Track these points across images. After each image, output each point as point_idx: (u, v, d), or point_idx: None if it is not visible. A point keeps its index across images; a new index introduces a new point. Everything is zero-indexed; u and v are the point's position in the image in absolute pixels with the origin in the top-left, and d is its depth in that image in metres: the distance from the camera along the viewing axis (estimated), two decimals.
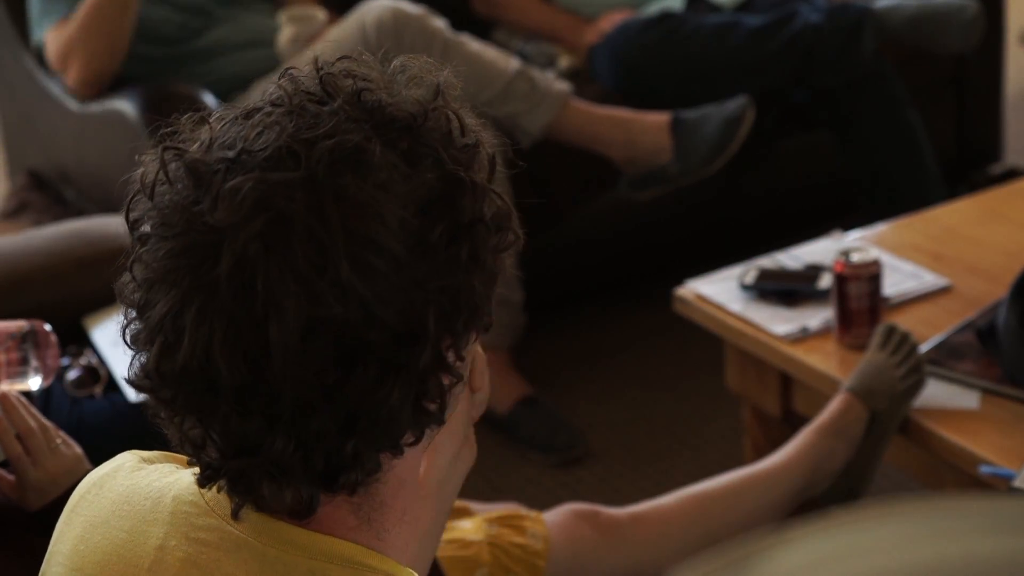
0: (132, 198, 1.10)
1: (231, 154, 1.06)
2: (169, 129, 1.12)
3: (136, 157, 1.12)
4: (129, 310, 1.11)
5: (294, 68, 1.14)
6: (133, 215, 1.10)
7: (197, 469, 1.16)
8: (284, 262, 1.03)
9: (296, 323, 1.02)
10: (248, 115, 1.10)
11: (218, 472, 1.10)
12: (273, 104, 1.10)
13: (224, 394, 1.05)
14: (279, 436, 1.06)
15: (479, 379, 1.23)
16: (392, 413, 1.07)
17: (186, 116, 1.13)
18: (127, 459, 1.24)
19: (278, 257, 1.03)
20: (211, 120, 1.11)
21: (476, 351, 1.21)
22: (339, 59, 1.13)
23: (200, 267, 1.04)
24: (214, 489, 1.14)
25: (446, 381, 1.10)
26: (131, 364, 1.11)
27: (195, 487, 1.15)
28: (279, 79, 1.13)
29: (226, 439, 1.08)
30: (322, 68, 1.12)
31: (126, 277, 1.10)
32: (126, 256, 1.11)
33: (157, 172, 1.08)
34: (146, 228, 1.08)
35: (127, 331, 1.11)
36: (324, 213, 1.03)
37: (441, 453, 1.21)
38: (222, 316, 1.03)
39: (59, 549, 1.21)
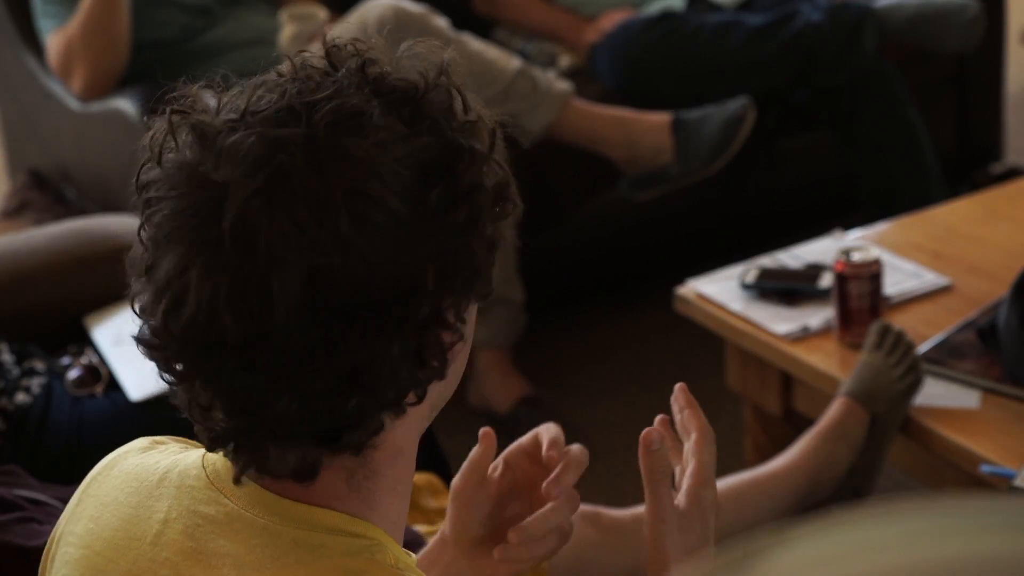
0: (143, 165, 1.12)
1: (235, 115, 1.09)
2: (177, 94, 1.15)
3: (144, 118, 1.14)
4: (138, 279, 1.12)
5: (307, 51, 1.16)
6: (143, 180, 1.12)
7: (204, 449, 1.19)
8: (285, 215, 1.05)
9: (297, 275, 1.05)
10: (256, 85, 1.13)
11: (225, 434, 1.12)
12: (279, 74, 1.13)
13: (229, 349, 1.06)
14: (283, 393, 1.07)
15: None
16: (393, 366, 1.09)
17: (196, 85, 1.16)
18: (139, 442, 1.26)
19: (280, 210, 1.05)
20: (221, 93, 1.15)
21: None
22: (350, 39, 1.16)
23: (204, 223, 1.06)
24: (218, 463, 1.17)
25: (447, 339, 1.12)
26: (140, 327, 1.13)
27: (200, 462, 1.18)
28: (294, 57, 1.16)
29: (231, 397, 1.09)
30: (331, 43, 1.14)
31: (136, 246, 1.12)
32: (139, 226, 1.13)
33: (165, 135, 1.11)
34: (154, 192, 1.10)
35: (136, 301, 1.12)
36: (323, 169, 1.06)
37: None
38: (226, 271, 1.05)
39: (70, 529, 1.23)
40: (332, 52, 1.13)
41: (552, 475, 1.35)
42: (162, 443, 1.25)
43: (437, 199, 1.09)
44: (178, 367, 1.11)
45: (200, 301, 1.06)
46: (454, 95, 1.14)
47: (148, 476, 1.20)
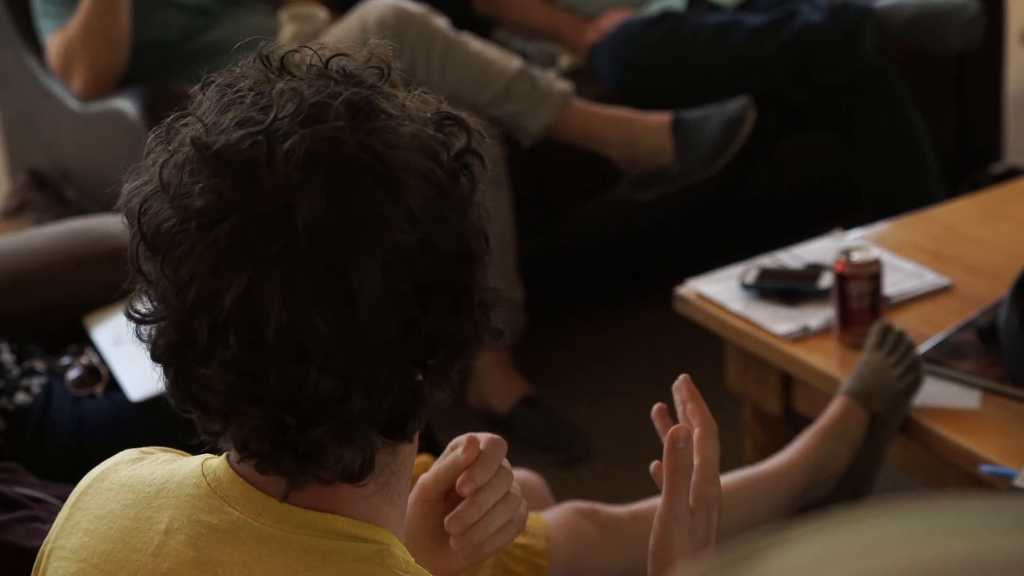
0: (143, 204, 1.10)
1: (258, 127, 1.08)
2: (168, 125, 1.13)
3: (157, 150, 1.12)
4: (142, 328, 1.10)
5: (220, 73, 1.15)
6: (153, 220, 1.09)
7: (202, 457, 1.18)
8: (357, 203, 1.06)
9: (376, 260, 1.05)
10: (237, 100, 1.11)
11: (282, 450, 1.09)
12: (253, 88, 1.11)
13: (312, 356, 1.06)
14: (356, 392, 1.07)
15: None
16: (468, 336, 1.11)
17: (171, 119, 1.14)
18: (126, 453, 1.25)
19: (351, 200, 1.06)
20: (195, 114, 1.12)
21: None
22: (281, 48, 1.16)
23: (270, 236, 1.05)
24: (219, 471, 1.16)
25: (491, 304, 1.14)
26: (173, 379, 1.10)
27: (199, 470, 1.17)
28: (223, 77, 1.14)
29: (307, 408, 1.08)
30: (268, 57, 1.14)
31: (139, 291, 1.10)
32: (136, 271, 1.10)
33: (180, 169, 1.08)
34: (175, 228, 1.07)
35: (154, 348, 1.10)
36: (374, 154, 1.07)
37: None
38: (307, 274, 1.05)
39: (62, 544, 1.22)
40: (285, 59, 1.13)
41: (462, 476, 1.25)
42: (149, 453, 1.24)
43: (455, 162, 1.12)
44: (245, 391, 1.08)
45: (286, 312, 1.05)
46: (396, 77, 1.16)
47: (144, 487, 1.19)
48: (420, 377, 1.10)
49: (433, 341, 1.09)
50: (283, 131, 1.07)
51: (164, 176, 1.09)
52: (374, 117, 1.09)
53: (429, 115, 1.13)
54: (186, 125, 1.12)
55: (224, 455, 1.17)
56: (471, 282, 1.11)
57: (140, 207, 1.10)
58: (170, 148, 1.11)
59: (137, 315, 1.11)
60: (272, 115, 1.08)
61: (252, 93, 1.11)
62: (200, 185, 1.07)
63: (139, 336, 1.12)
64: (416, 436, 1.17)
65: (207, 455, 1.19)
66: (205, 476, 1.16)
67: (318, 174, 1.06)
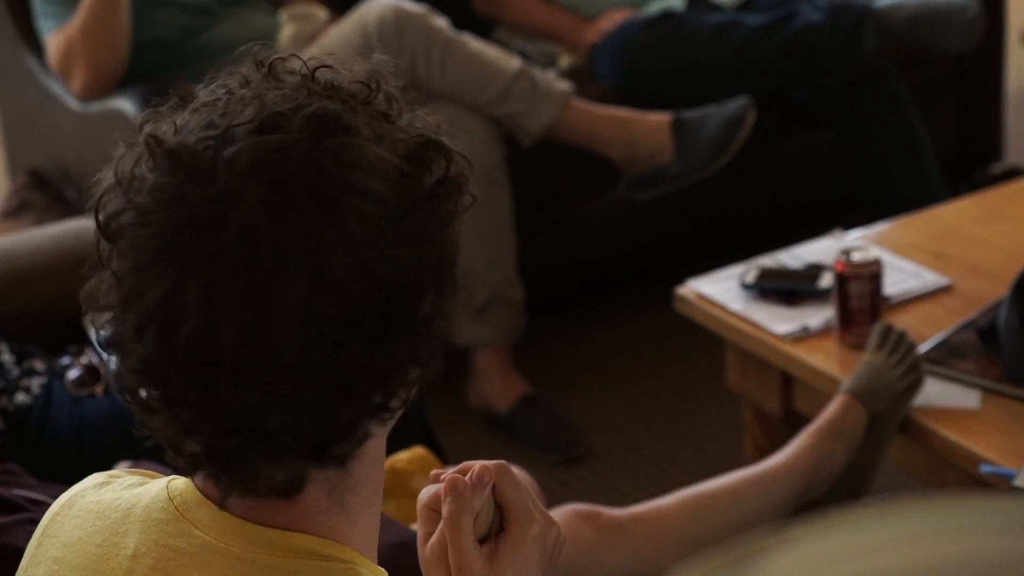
0: (102, 196, 1.10)
1: (215, 131, 1.08)
2: (145, 119, 1.14)
3: (119, 151, 1.12)
4: (100, 314, 1.11)
5: (229, 71, 1.15)
6: (107, 211, 1.10)
7: (167, 478, 1.17)
8: (292, 219, 1.04)
9: (303, 280, 1.04)
10: (212, 103, 1.11)
11: (208, 455, 1.09)
12: (230, 93, 1.11)
13: (225, 368, 1.04)
14: (275, 409, 1.06)
15: None
16: (392, 370, 1.08)
17: (145, 113, 1.15)
18: (93, 478, 1.24)
19: (286, 215, 1.04)
20: (172, 115, 1.13)
21: None
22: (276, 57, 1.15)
23: (201, 240, 1.04)
24: (185, 494, 1.15)
25: (441, 337, 1.11)
26: (116, 366, 1.11)
27: (165, 494, 1.16)
28: (215, 80, 1.14)
29: (222, 418, 1.07)
30: (261, 62, 1.13)
31: (98, 280, 1.11)
32: (96, 260, 1.11)
33: (135, 163, 1.09)
34: (123, 221, 1.08)
35: (105, 335, 1.10)
36: (322, 171, 1.05)
37: None
38: (229, 284, 1.04)
39: (32, 573, 1.21)
40: (274, 66, 1.13)
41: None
42: (117, 476, 1.23)
43: (420, 191, 1.09)
44: (158, 393, 1.08)
45: (204, 317, 1.04)
46: (392, 96, 1.14)
47: (111, 513, 1.17)
48: (349, 404, 1.08)
49: (358, 368, 1.06)
50: (233, 138, 1.07)
51: (119, 170, 1.10)
52: (338, 133, 1.07)
53: (411, 138, 1.11)
54: (158, 123, 1.12)
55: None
56: (407, 313, 1.07)
57: (100, 198, 1.11)
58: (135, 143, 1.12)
59: (96, 304, 1.12)
60: (229, 121, 1.08)
61: (227, 97, 1.11)
62: (149, 181, 1.07)
63: (93, 324, 1.12)
64: (381, 452, 1.16)
65: (172, 476, 1.18)
66: (172, 499, 1.15)
67: (258, 186, 1.05)
